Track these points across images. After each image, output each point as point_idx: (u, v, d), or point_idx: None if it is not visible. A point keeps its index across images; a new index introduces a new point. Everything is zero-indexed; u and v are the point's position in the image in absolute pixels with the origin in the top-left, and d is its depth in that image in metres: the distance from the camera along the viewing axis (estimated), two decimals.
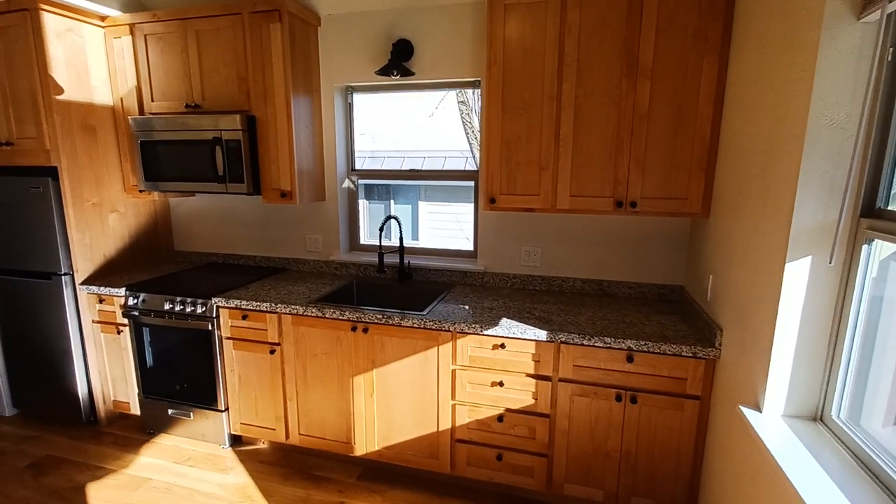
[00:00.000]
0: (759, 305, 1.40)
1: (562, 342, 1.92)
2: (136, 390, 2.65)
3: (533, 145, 2.08)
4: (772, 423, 1.31)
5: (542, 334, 1.92)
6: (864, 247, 1.17)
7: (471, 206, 2.74)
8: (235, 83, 2.45)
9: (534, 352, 1.97)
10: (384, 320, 2.12)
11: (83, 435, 2.70)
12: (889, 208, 1.15)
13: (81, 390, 2.69)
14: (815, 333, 1.28)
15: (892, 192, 1.15)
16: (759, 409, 1.38)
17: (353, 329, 2.19)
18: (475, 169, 2.66)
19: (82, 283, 2.60)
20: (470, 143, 4.93)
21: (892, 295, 1.16)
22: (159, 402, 2.61)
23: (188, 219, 3.15)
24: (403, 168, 5.57)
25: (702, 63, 1.84)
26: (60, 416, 2.79)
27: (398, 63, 2.39)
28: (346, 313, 2.16)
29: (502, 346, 2.00)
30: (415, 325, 2.08)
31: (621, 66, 1.93)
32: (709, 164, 1.91)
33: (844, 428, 1.22)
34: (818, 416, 1.32)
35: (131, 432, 2.72)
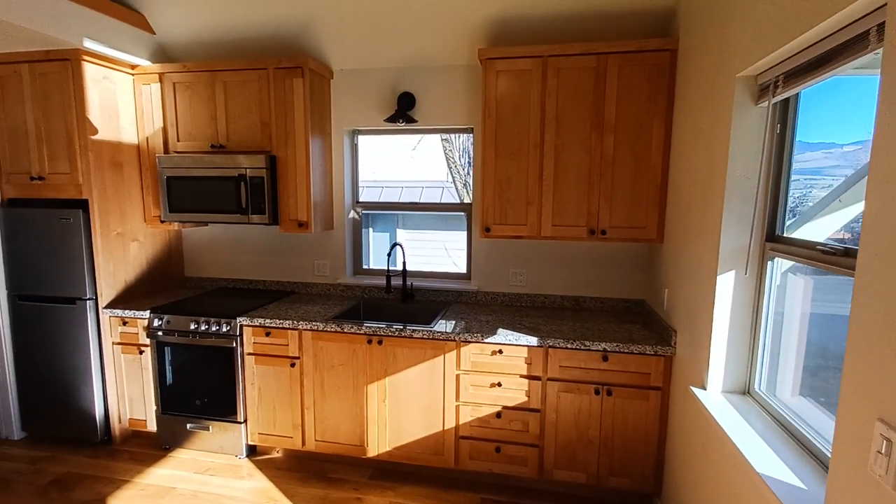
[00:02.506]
0: (701, 309, 1.85)
1: (549, 347, 2.31)
2: (154, 407, 2.83)
3: (521, 184, 2.52)
4: (714, 397, 1.74)
5: (533, 340, 2.31)
6: (770, 263, 1.64)
7: (456, 234, 3.14)
8: (259, 127, 2.78)
9: (526, 356, 2.35)
10: (397, 333, 2.45)
11: (99, 453, 2.83)
12: (785, 235, 1.62)
13: (98, 410, 2.84)
14: (740, 327, 1.72)
15: (787, 224, 1.63)
16: (704, 388, 1.80)
17: (369, 342, 2.50)
18: (458, 201, 3.07)
19: (106, 307, 2.80)
20: (453, 176, 5.39)
21: (790, 298, 1.62)
22: (177, 417, 2.80)
23: (200, 247, 3.39)
24: (381, 199, 5.95)
25: (652, 122, 2.35)
26: (73, 436, 2.90)
27: (404, 113, 2.80)
28: (363, 328, 2.48)
29: (500, 351, 2.36)
30: (424, 337, 2.43)
31: (591, 123, 2.41)
32: (661, 201, 2.40)
33: (765, 397, 1.65)
34: (746, 390, 1.76)
35: (147, 448, 2.88)
